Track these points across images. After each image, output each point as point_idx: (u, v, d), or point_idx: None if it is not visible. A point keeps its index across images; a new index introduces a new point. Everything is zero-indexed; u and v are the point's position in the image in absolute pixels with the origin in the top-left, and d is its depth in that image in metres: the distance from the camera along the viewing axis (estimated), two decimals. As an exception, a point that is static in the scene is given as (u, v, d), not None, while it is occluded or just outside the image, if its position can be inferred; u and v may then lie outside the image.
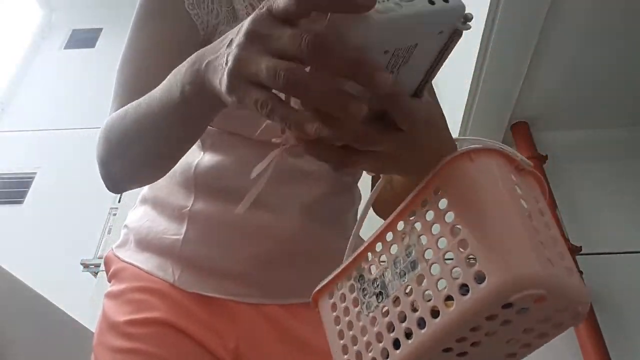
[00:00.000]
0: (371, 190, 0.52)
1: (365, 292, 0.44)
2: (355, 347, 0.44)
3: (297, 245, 0.71)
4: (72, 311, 1.58)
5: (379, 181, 0.51)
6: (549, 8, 1.78)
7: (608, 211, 2.15)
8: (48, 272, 5.53)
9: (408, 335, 0.39)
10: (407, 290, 0.40)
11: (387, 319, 0.41)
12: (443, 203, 0.40)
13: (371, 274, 0.44)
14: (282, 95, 0.36)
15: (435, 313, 0.37)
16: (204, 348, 0.66)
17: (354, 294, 0.45)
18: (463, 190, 0.40)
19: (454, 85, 2.38)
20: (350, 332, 0.44)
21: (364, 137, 0.37)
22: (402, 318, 0.40)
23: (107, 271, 0.76)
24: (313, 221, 0.72)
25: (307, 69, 0.34)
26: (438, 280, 0.38)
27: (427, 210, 0.42)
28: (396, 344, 0.40)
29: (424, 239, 0.41)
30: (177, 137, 0.53)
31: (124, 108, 0.57)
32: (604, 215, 2.13)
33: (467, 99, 2.21)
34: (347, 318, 0.45)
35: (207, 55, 0.42)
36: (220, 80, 0.38)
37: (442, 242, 0.39)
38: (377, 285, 0.43)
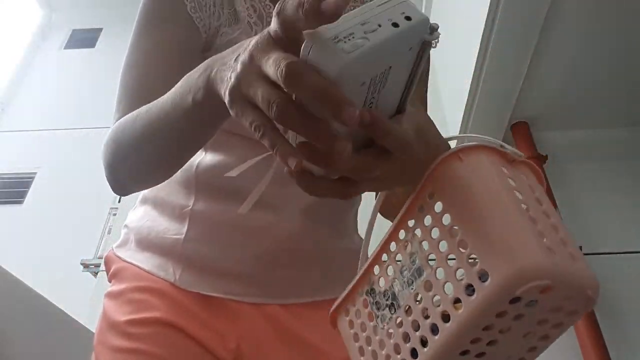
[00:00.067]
0: (375, 198, 0.51)
1: (378, 305, 0.44)
2: None
3: (298, 245, 0.71)
4: (72, 311, 1.58)
5: (380, 193, 0.50)
6: (549, 8, 1.78)
7: (608, 211, 2.15)
8: (48, 272, 5.53)
9: (424, 343, 0.39)
10: (417, 298, 0.40)
11: (402, 330, 0.41)
12: (438, 206, 0.40)
13: (381, 286, 0.44)
14: None
15: (446, 317, 0.37)
16: (204, 348, 0.66)
17: (368, 309, 0.45)
18: (455, 191, 0.40)
19: (454, 85, 2.38)
20: (370, 348, 0.44)
21: (358, 169, 0.37)
22: (416, 326, 0.40)
23: (107, 271, 0.76)
24: (313, 221, 0.72)
25: None
26: (444, 284, 0.38)
27: (424, 216, 0.42)
28: (414, 353, 0.40)
29: (425, 245, 0.41)
30: (187, 140, 0.54)
31: (134, 112, 0.57)
32: (604, 215, 2.13)
33: (467, 99, 2.21)
34: (364, 334, 0.45)
35: (217, 64, 0.42)
36: (224, 94, 0.39)
37: (443, 245, 0.39)
38: (388, 297, 0.43)
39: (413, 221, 0.43)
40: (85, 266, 5.99)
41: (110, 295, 0.71)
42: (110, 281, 0.74)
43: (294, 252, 0.71)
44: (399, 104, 0.40)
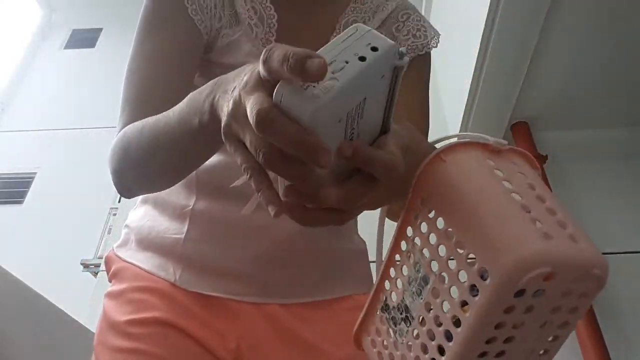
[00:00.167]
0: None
1: (395, 320, 0.44)
2: None
3: (298, 245, 0.71)
4: (72, 311, 1.58)
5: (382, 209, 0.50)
6: (549, 8, 1.78)
7: (608, 211, 2.15)
8: (48, 272, 5.53)
9: (442, 351, 0.38)
10: (428, 307, 0.40)
11: (419, 341, 0.41)
12: (431, 211, 0.40)
13: (394, 301, 0.44)
14: None
15: (457, 322, 0.37)
16: (204, 348, 0.66)
17: (386, 325, 0.45)
18: (443, 193, 0.40)
19: (454, 85, 2.38)
20: None
21: (347, 200, 0.37)
22: (432, 336, 0.39)
23: (107, 271, 0.76)
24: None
25: None
26: (450, 288, 0.38)
27: (420, 223, 0.41)
28: None
29: (426, 252, 0.41)
30: (192, 157, 0.55)
31: (140, 123, 0.58)
32: (604, 215, 2.13)
33: (467, 99, 2.21)
34: (387, 351, 0.45)
35: (220, 89, 0.42)
36: (221, 127, 0.39)
37: (442, 250, 0.39)
38: (402, 311, 0.43)
39: (411, 230, 0.42)
40: (85, 266, 5.99)
41: (111, 295, 0.71)
42: (110, 281, 0.74)
43: (294, 252, 0.71)
44: (382, 124, 0.40)
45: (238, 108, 0.36)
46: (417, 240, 0.42)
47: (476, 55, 2.00)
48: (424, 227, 0.41)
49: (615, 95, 2.18)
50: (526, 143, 2.26)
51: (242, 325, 0.68)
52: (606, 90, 2.16)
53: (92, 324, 0.80)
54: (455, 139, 0.43)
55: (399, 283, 0.44)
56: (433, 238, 0.40)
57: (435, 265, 0.40)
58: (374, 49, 0.35)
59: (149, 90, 0.64)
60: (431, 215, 0.40)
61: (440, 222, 0.39)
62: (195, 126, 0.46)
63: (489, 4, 1.81)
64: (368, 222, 0.50)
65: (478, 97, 2.17)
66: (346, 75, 0.33)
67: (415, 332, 0.41)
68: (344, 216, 0.39)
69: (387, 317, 0.45)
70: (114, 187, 0.62)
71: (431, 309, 0.39)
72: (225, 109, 0.39)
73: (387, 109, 0.39)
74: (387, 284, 0.45)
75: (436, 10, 2.90)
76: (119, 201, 4.96)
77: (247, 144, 0.36)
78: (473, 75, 2.09)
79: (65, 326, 1.52)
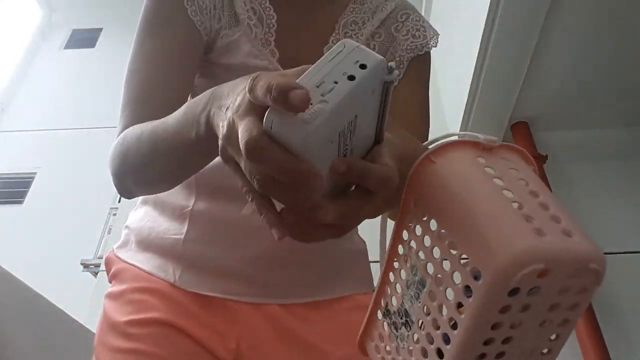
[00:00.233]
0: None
1: (396, 325, 0.43)
2: None
3: (298, 245, 0.71)
4: (72, 311, 1.58)
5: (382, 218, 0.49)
6: (549, 8, 1.78)
7: (608, 211, 2.15)
8: (48, 272, 5.53)
9: (441, 355, 0.38)
10: (426, 311, 0.40)
11: (419, 345, 0.40)
12: (424, 213, 0.40)
13: (394, 305, 0.44)
14: None
15: (454, 324, 0.36)
16: (204, 348, 0.66)
17: (388, 331, 0.45)
18: (433, 194, 0.39)
19: (454, 85, 2.38)
20: None
21: (345, 216, 0.37)
22: (431, 339, 0.39)
23: (107, 272, 0.76)
24: (313, 221, 0.72)
25: None
26: (445, 290, 0.38)
27: (414, 226, 0.41)
28: None
29: (422, 255, 0.40)
30: (190, 165, 0.55)
31: (139, 127, 0.58)
32: (604, 215, 2.13)
33: (467, 99, 2.21)
34: (390, 356, 0.45)
35: (215, 104, 0.42)
36: (219, 147, 0.39)
37: (437, 252, 0.38)
38: (402, 315, 0.43)
39: (407, 234, 0.42)
40: (85, 266, 5.99)
41: (111, 296, 0.71)
42: (110, 282, 0.74)
43: (294, 252, 0.71)
44: (375, 136, 0.40)
45: (231, 132, 0.36)
46: (413, 244, 0.41)
47: (476, 55, 2.00)
48: (418, 229, 0.41)
49: (615, 95, 2.18)
50: (526, 143, 2.26)
51: (242, 326, 0.68)
52: (606, 90, 2.16)
53: (92, 323, 0.80)
54: (445, 140, 0.43)
55: (398, 287, 0.43)
56: (427, 240, 0.39)
57: (431, 268, 0.39)
58: (363, 66, 0.34)
59: (149, 91, 0.64)
60: (424, 217, 0.40)
61: (433, 224, 0.39)
62: (193, 138, 0.46)
63: (489, 4, 1.81)
64: (368, 222, 0.50)
65: (478, 97, 2.17)
66: (336, 97, 0.33)
67: (416, 336, 0.41)
68: (343, 229, 0.39)
69: (389, 322, 0.44)
70: (114, 187, 0.62)
71: (429, 313, 0.39)
72: (220, 129, 0.39)
73: (379, 122, 0.39)
74: (387, 289, 0.45)
75: (436, 10, 2.90)
76: (119, 201, 4.96)
77: (242, 168, 0.36)
78: (473, 75, 2.09)
79: (65, 326, 1.52)
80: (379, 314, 0.46)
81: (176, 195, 0.73)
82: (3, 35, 8.67)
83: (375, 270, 0.54)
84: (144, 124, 0.57)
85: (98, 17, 9.01)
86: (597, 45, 1.96)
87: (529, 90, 2.13)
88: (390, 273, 0.45)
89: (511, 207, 0.36)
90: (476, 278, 0.34)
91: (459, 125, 2.33)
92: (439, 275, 0.38)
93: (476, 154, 0.40)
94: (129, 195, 0.64)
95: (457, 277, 0.36)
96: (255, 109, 0.35)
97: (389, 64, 0.36)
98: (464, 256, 0.36)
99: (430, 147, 0.47)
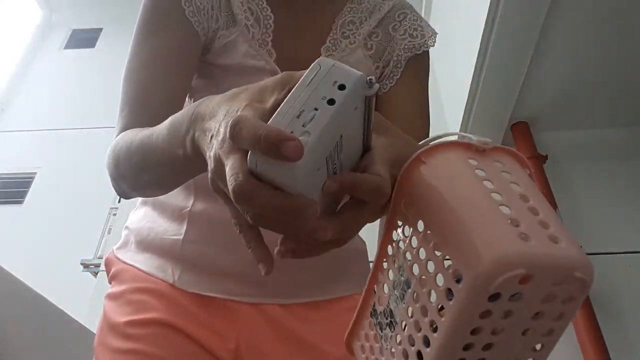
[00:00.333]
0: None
1: (381, 325, 0.43)
2: None
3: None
4: (72, 311, 1.58)
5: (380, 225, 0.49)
6: (549, 8, 1.78)
7: (608, 211, 2.14)
8: (48, 272, 5.53)
9: (420, 358, 0.37)
10: (409, 312, 0.39)
11: (401, 347, 0.40)
12: (412, 213, 0.39)
13: (381, 306, 0.43)
14: None
15: (435, 327, 0.36)
16: (203, 348, 0.66)
17: (373, 331, 0.44)
18: (422, 194, 0.39)
19: (454, 85, 2.38)
20: None
21: (342, 230, 0.37)
22: (412, 342, 0.38)
23: (107, 272, 0.76)
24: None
25: None
26: (429, 292, 0.37)
27: (404, 227, 0.41)
28: None
29: (408, 256, 0.40)
30: (183, 176, 0.55)
31: (130, 135, 0.57)
32: (604, 215, 2.13)
33: (467, 99, 2.21)
34: (373, 356, 0.44)
35: (198, 128, 0.42)
36: (209, 178, 0.39)
37: (423, 253, 0.38)
38: (387, 315, 0.42)
39: (396, 234, 0.42)
40: (85, 266, 5.99)
41: (110, 297, 0.71)
42: (110, 283, 0.74)
43: None
44: (363, 146, 0.39)
45: (220, 167, 0.36)
46: (401, 244, 0.41)
47: (476, 55, 1.99)
48: (407, 230, 0.40)
49: (615, 95, 2.18)
50: (526, 143, 2.26)
51: (242, 326, 0.68)
52: (606, 90, 2.16)
53: (92, 324, 0.80)
54: (438, 140, 0.43)
55: (385, 288, 0.43)
56: (415, 241, 0.39)
57: (416, 269, 0.39)
58: (342, 87, 0.33)
59: (148, 91, 0.64)
60: (413, 217, 0.39)
61: (420, 225, 0.38)
62: (180, 156, 0.46)
63: (489, 4, 1.81)
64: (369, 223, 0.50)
65: (478, 97, 2.17)
66: (318, 126, 0.32)
67: (398, 337, 0.40)
68: (344, 240, 0.39)
69: (375, 322, 0.44)
70: None
71: (412, 314, 0.38)
72: (208, 161, 0.38)
73: (365, 133, 0.39)
74: (375, 289, 0.45)
75: (436, 10, 2.90)
76: (119, 201, 4.96)
77: (231, 204, 0.36)
78: (473, 75, 2.08)
79: (65, 326, 1.52)
80: (367, 314, 0.46)
81: (175, 196, 0.73)
82: (3, 35, 8.66)
83: (375, 271, 0.54)
84: (134, 132, 0.57)
85: (98, 17, 9.01)
86: (597, 45, 1.96)
87: (529, 90, 2.13)
88: (379, 273, 0.44)
89: (497, 210, 0.35)
90: (458, 281, 0.34)
91: (459, 125, 2.32)
92: (423, 277, 0.38)
93: (468, 156, 0.40)
94: (126, 197, 0.64)
95: (440, 279, 0.35)
96: (238, 148, 0.34)
97: (368, 77, 0.35)
98: (446, 257, 0.36)
99: (423, 146, 0.47)
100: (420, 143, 0.47)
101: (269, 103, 0.36)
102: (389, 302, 0.42)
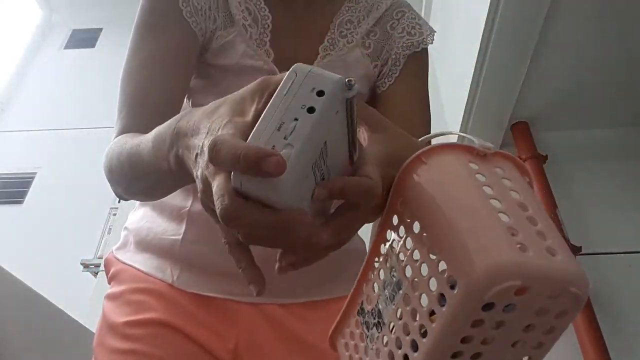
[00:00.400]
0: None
1: (367, 324, 0.42)
2: None
3: None
4: (72, 311, 1.58)
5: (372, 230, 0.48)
6: (549, 8, 1.78)
7: (608, 211, 2.14)
8: (48, 272, 5.53)
9: None
10: (398, 314, 0.38)
11: (387, 349, 0.39)
12: (409, 214, 0.38)
13: (369, 304, 0.42)
14: None
15: (424, 332, 0.35)
16: (202, 348, 0.66)
17: (359, 329, 0.43)
18: (419, 195, 0.38)
19: (454, 85, 2.38)
20: None
21: (339, 235, 0.37)
22: (399, 344, 0.37)
23: (107, 273, 0.76)
24: (312, 221, 0.72)
25: None
26: (420, 295, 0.36)
27: (399, 226, 0.40)
28: None
29: (402, 257, 0.39)
30: (170, 188, 0.56)
31: (120, 143, 0.57)
32: (604, 215, 2.13)
33: (467, 99, 2.20)
34: (357, 355, 0.44)
35: (181, 142, 0.41)
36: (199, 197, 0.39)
37: (417, 255, 0.37)
38: (375, 315, 0.41)
39: (390, 233, 0.41)
40: (85, 266, 5.99)
41: (110, 297, 0.71)
42: (109, 283, 0.75)
43: None
44: (348, 148, 0.39)
45: (208, 188, 0.35)
46: (395, 244, 0.40)
47: (476, 55, 1.99)
48: (402, 230, 0.39)
49: (615, 95, 2.18)
50: (526, 143, 2.26)
51: (241, 326, 0.68)
52: (606, 90, 2.16)
53: (92, 324, 0.80)
54: (441, 140, 0.42)
55: (375, 287, 0.42)
56: (409, 242, 0.38)
57: (409, 271, 0.38)
58: (320, 93, 0.33)
59: (146, 92, 0.64)
60: (409, 218, 0.38)
61: (416, 226, 0.37)
62: (165, 170, 0.45)
63: (489, 4, 1.81)
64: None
65: (478, 97, 2.17)
66: (299, 137, 0.31)
67: (385, 339, 0.39)
68: (341, 243, 0.39)
69: (362, 321, 0.43)
70: None
71: (401, 316, 0.38)
72: (196, 180, 0.38)
73: (350, 135, 0.38)
74: (364, 287, 0.44)
75: (436, 10, 2.90)
76: (119, 201, 4.96)
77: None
78: (473, 75, 2.08)
79: (65, 326, 1.52)
80: (354, 312, 0.45)
81: (174, 196, 0.73)
82: (3, 35, 8.66)
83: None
84: (126, 139, 0.56)
85: (98, 17, 9.01)
86: (597, 45, 1.96)
87: (529, 90, 2.13)
88: (369, 272, 0.44)
89: (496, 218, 0.34)
90: (452, 287, 0.33)
91: (459, 125, 2.32)
92: (415, 280, 0.37)
93: (469, 159, 0.39)
94: (122, 198, 0.64)
95: (434, 284, 0.35)
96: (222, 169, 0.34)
97: (347, 80, 0.34)
98: (441, 262, 0.35)
99: (424, 143, 0.46)
100: (419, 139, 0.47)
101: (250, 114, 0.36)
102: (377, 302, 0.41)
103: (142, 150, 0.50)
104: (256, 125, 0.33)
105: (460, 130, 2.32)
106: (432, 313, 0.34)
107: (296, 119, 0.32)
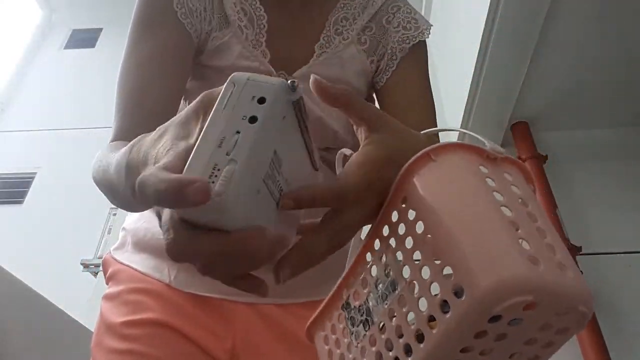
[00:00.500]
0: None
1: (353, 320, 0.40)
2: None
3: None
4: (72, 311, 1.58)
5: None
6: (549, 8, 1.78)
7: (608, 211, 2.14)
8: (48, 272, 5.53)
9: None
10: (391, 315, 0.37)
11: (375, 349, 0.37)
12: (412, 212, 0.36)
13: (356, 300, 0.41)
14: None
15: (420, 337, 0.33)
16: (200, 348, 0.66)
17: (343, 324, 0.42)
18: (426, 194, 0.36)
19: (454, 85, 2.38)
20: None
21: (335, 240, 0.37)
22: (390, 346, 0.36)
23: (104, 273, 0.76)
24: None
25: None
26: (419, 299, 0.34)
27: (398, 224, 0.37)
28: None
29: (399, 256, 0.37)
30: (144, 209, 0.54)
31: (100, 156, 0.54)
32: (604, 215, 2.13)
33: (467, 99, 2.20)
34: (338, 351, 0.42)
35: (134, 173, 0.39)
36: None
37: (418, 257, 0.35)
38: (363, 312, 0.39)
39: (388, 229, 0.39)
40: (85, 266, 5.99)
41: (107, 298, 0.71)
42: (107, 283, 0.75)
43: None
44: (310, 164, 0.38)
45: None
46: (392, 241, 0.38)
47: (476, 55, 1.99)
48: (401, 228, 0.37)
49: (615, 95, 2.18)
50: (526, 143, 2.26)
51: (238, 326, 0.68)
52: (606, 90, 2.16)
53: (92, 324, 0.80)
54: (447, 139, 0.41)
55: (365, 283, 0.40)
56: (410, 242, 0.36)
57: (407, 272, 0.36)
58: (262, 100, 0.31)
59: (141, 95, 0.64)
60: (411, 216, 0.36)
61: (420, 226, 0.35)
62: (129, 196, 0.43)
63: (489, 4, 1.81)
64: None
65: (478, 97, 2.17)
66: (242, 151, 0.29)
67: (373, 338, 0.38)
68: (341, 244, 0.38)
69: (347, 316, 0.41)
70: None
71: (394, 318, 0.36)
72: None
73: (304, 136, 0.36)
74: (352, 282, 0.42)
75: (436, 10, 2.90)
76: (119, 201, 4.95)
77: None
78: (473, 75, 2.08)
79: (65, 326, 1.52)
80: (337, 305, 0.43)
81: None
82: (3, 35, 8.66)
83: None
84: (102, 155, 0.54)
85: (98, 17, 9.01)
86: (597, 45, 1.95)
87: (529, 90, 2.13)
88: (359, 266, 0.41)
89: (508, 227, 0.33)
90: (457, 294, 0.31)
91: (459, 125, 2.32)
92: (414, 282, 0.35)
93: (479, 162, 0.37)
94: None
95: (436, 289, 0.33)
96: None
97: (289, 81, 0.32)
98: (447, 268, 0.33)
99: (428, 135, 0.44)
100: (422, 132, 0.45)
101: (194, 135, 0.33)
102: (367, 299, 0.39)
103: (111, 177, 0.48)
104: (195, 146, 0.30)
105: (459, 136, 2.32)
106: (431, 319, 0.33)
107: (238, 132, 0.30)
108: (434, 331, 0.32)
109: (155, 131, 0.37)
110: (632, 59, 2.01)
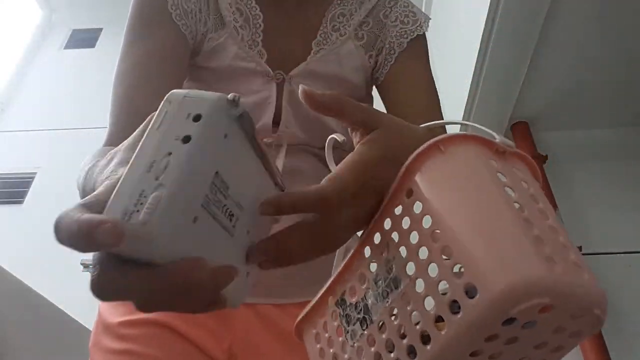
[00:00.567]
0: None
1: (349, 318, 0.38)
2: None
3: None
4: (72, 311, 1.58)
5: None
6: (549, 8, 1.78)
7: (608, 211, 2.14)
8: (48, 272, 5.53)
9: None
10: (393, 313, 0.34)
11: (373, 349, 0.35)
12: (418, 206, 0.34)
13: (353, 297, 0.38)
14: None
15: (425, 338, 0.31)
16: (197, 348, 0.66)
17: (337, 322, 0.39)
18: (435, 188, 0.34)
19: (454, 85, 2.38)
20: None
21: (323, 244, 0.37)
22: (390, 347, 0.34)
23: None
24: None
25: None
26: (425, 297, 0.32)
27: (402, 218, 0.35)
28: None
29: (403, 251, 0.34)
30: None
31: (81, 171, 0.54)
32: (604, 215, 2.13)
33: (467, 99, 2.20)
34: (331, 350, 0.39)
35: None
36: None
37: (424, 253, 0.33)
38: (360, 310, 0.37)
39: (390, 223, 0.36)
40: (85, 266, 5.98)
41: (106, 297, 0.71)
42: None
43: None
44: (274, 182, 0.36)
45: None
46: (395, 236, 0.35)
47: (476, 55, 1.99)
48: (406, 222, 0.35)
49: (615, 95, 2.18)
50: (526, 143, 2.26)
51: (236, 326, 0.68)
52: (606, 90, 2.16)
53: (92, 324, 0.80)
54: (451, 129, 0.40)
55: (363, 279, 0.38)
56: (415, 237, 0.34)
57: (411, 269, 0.34)
58: (197, 117, 0.28)
59: (135, 97, 0.64)
60: (417, 210, 0.34)
61: (427, 221, 0.33)
62: None
63: (489, 4, 1.81)
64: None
65: (478, 97, 2.17)
66: (172, 175, 0.26)
67: (371, 337, 0.36)
68: (333, 248, 0.38)
69: (341, 313, 0.39)
70: None
71: (396, 317, 0.34)
72: None
73: (259, 155, 0.34)
74: (348, 277, 0.39)
75: (436, 10, 2.90)
76: (119, 201, 4.95)
77: None
78: (473, 75, 2.08)
79: (65, 326, 1.52)
80: (331, 301, 0.41)
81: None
82: (3, 35, 8.66)
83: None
84: (82, 169, 0.53)
85: (98, 17, 9.00)
86: (597, 45, 1.95)
87: (529, 90, 2.13)
88: (356, 261, 0.39)
89: (523, 225, 0.31)
90: (468, 294, 0.29)
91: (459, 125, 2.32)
92: (419, 279, 0.33)
93: (489, 155, 0.35)
94: None
95: (443, 287, 0.31)
96: None
97: (229, 95, 0.29)
98: (457, 266, 0.31)
99: (430, 128, 0.42)
100: (424, 125, 0.43)
101: None
102: (365, 297, 0.37)
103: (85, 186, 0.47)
104: (124, 172, 0.27)
105: (461, 130, 2.32)
106: (438, 319, 0.31)
107: (170, 153, 0.27)
108: (442, 333, 0.30)
109: (107, 154, 0.36)
110: (632, 59, 2.01)
